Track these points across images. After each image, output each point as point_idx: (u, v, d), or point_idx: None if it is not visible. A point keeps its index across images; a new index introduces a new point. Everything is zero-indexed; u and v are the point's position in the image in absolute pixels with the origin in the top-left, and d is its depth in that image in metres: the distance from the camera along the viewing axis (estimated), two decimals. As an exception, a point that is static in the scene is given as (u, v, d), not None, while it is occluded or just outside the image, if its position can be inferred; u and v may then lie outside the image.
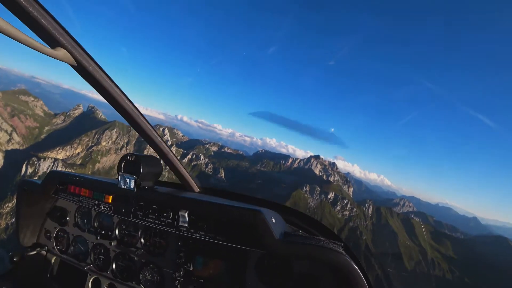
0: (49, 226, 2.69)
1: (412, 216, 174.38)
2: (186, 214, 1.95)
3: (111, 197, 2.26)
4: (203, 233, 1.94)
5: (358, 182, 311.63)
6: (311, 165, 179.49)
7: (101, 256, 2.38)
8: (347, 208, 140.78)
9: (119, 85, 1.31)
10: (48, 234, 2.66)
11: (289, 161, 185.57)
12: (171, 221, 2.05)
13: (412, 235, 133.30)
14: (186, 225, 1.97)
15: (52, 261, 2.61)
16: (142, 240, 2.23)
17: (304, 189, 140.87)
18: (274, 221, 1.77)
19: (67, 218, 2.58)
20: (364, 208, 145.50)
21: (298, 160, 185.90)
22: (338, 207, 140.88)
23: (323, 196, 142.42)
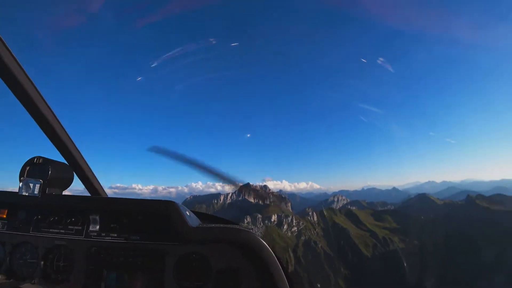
0: None
1: (349, 206, 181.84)
2: (97, 217, 1.76)
3: (6, 211, 1.87)
4: (115, 235, 1.76)
5: (292, 196, 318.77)
6: (244, 195, 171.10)
7: None
8: (293, 224, 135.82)
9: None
10: None
11: (221, 199, 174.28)
12: (80, 227, 1.81)
13: (359, 224, 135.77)
14: (97, 228, 1.76)
15: None
16: (42, 265, 1.82)
17: (246, 221, 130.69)
18: (188, 214, 1.74)
19: None
20: (308, 218, 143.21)
21: (230, 195, 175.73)
22: (285, 227, 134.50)
23: (266, 221, 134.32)
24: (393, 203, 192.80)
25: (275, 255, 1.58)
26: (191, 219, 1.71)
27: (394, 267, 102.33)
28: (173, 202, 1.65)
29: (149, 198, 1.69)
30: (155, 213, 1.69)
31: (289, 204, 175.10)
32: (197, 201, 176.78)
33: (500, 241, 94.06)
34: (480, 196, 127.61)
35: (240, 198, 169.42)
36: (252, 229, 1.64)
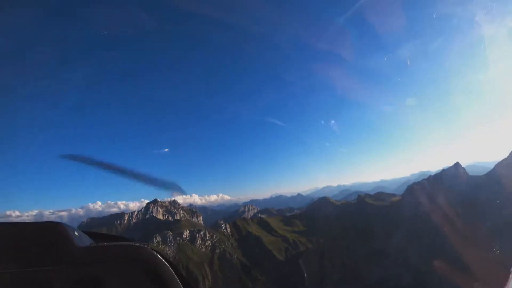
0: None
1: (260, 215, 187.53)
2: None
3: None
4: None
5: (203, 209, 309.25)
6: (152, 212, 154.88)
7: None
8: (207, 237, 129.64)
9: None
10: None
11: (126, 219, 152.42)
12: None
13: (271, 231, 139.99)
14: None
15: None
16: None
17: (155, 240, 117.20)
18: (77, 234, 1.55)
19: None
20: (222, 230, 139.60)
21: (136, 213, 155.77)
22: (198, 242, 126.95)
23: (178, 238, 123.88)
24: (299, 208, 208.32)
25: (177, 271, 1.46)
26: (80, 239, 1.53)
27: (304, 265, 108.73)
28: (58, 222, 1.48)
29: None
30: (38, 236, 1.45)
31: (201, 218, 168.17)
32: (96, 224, 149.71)
33: (385, 230, 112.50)
34: (367, 195, 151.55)
35: (147, 216, 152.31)
36: (147, 244, 1.51)
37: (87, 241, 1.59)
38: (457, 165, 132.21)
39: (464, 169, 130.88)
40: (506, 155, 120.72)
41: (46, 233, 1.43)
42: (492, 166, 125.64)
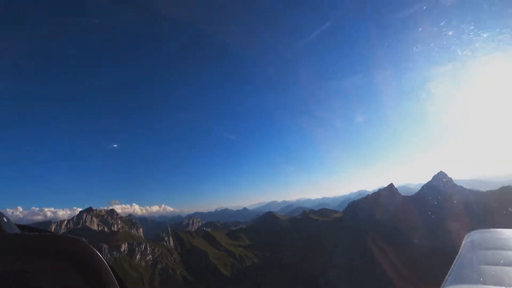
0: None
1: (205, 228, 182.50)
2: None
3: None
4: None
5: (143, 220, 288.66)
6: (85, 221, 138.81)
7: None
8: (148, 251, 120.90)
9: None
10: None
11: (53, 228, 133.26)
12: None
13: (216, 245, 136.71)
14: None
15: None
16: None
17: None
18: (5, 220, 1.39)
19: None
20: (164, 243, 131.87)
21: (66, 222, 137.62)
22: (138, 256, 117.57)
23: (115, 252, 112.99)
24: (245, 222, 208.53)
25: (112, 270, 1.35)
26: (9, 226, 1.37)
27: (251, 280, 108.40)
28: None
29: None
30: None
31: (141, 230, 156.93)
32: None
33: (328, 243, 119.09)
34: (312, 211, 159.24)
35: (79, 226, 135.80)
36: (84, 239, 1.37)
37: (15, 229, 1.43)
38: (391, 185, 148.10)
39: (397, 189, 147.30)
40: (429, 178, 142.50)
41: None
42: (418, 188, 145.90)
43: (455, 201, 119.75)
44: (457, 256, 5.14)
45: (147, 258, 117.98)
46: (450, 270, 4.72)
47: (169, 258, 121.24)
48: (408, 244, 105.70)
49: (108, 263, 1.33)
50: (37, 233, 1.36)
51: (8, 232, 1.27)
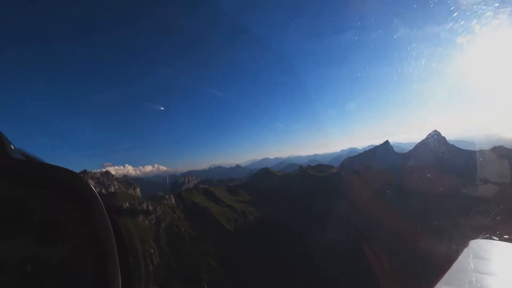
0: None
1: (201, 186, 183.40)
2: None
3: None
4: None
5: (138, 180, 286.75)
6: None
7: None
8: (150, 210, 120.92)
9: None
10: None
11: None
12: None
13: (217, 201, 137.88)
14: None
15: None
16: None
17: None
18: (13, 147, 1.37)
19: None
20: (166, 202, 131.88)
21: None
22: (141, 215, 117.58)
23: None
24: (239, 179, 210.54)
25: (106, 209, 1.36)
26: (15, 152, 1.37)
27: (255, 235, 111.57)
28: None
29: None
30: None
31: (138, 190, 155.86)
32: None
33: (325, 198, 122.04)
34: (309, 166, 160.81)
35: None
36: (81, 175, 1.37)
37: (21, 156, 1.42)
38: (386, 142, 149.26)
39: (392, 147, 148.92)
40: (419, 137, 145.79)
41: None
42: (409, 147, 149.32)
43: (449, 159, 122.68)
44: (454, 263, 5.24)
45: (150, 218, 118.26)
46: (445, 274, 4.87)
47: (172, 216, 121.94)
48: (404, 200, 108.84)
49: (106, 208, 1.35)
50: (42, 162, 1.37)
51: (13, 157, 1.29)
